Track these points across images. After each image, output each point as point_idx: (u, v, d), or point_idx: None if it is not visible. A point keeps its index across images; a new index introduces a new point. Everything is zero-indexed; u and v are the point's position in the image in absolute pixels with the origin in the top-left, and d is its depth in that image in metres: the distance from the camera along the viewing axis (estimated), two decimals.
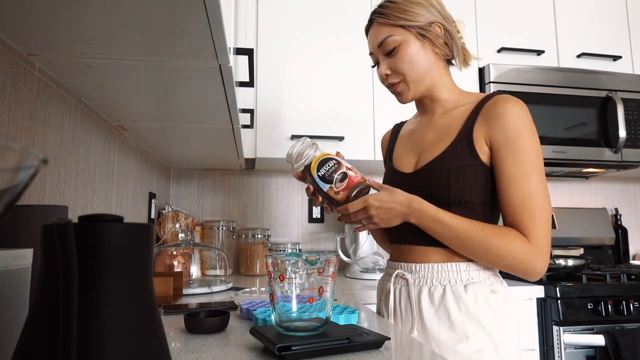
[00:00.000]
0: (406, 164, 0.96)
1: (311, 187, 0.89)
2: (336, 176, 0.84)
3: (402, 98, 0.95)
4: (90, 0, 0.59)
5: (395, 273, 0.92)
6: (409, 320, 0.88)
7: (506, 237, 0.80)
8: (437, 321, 0.84)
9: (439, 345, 0.83)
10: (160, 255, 1.31)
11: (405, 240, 0.92)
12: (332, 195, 0.85)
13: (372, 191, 0.88)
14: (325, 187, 0.85)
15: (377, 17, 0.93)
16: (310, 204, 2.12)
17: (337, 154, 0.91)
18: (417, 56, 0.90)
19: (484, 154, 0.85)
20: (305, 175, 0.89)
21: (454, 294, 0.83)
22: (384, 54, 0.92)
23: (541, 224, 0.79)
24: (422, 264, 0.88)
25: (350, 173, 0.85)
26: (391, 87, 0.95)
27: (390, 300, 0.92)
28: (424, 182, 0.88)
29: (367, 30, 0.97)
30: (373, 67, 0.99)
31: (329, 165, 0.85)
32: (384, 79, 0.95)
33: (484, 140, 0.85)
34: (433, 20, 0.91)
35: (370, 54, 0.97)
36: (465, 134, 0.86)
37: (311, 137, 1.75)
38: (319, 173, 0.85)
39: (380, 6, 0.93)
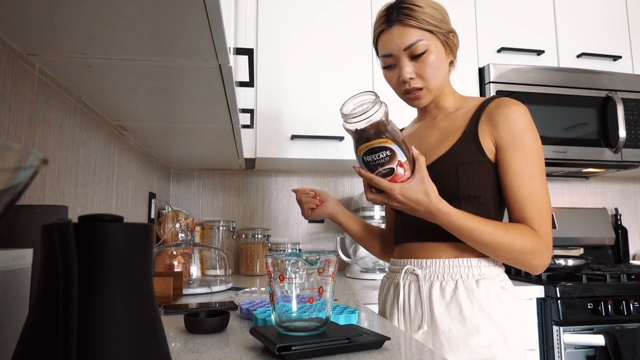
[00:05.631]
0: None
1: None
2: (381, 169, 0.76)
3: (419, 103, 0.93)
4: (90, 0, 0.59)
5: (405, 269, 0.92)
6: (419, 315, 0.89)
7: (526, 235, 0.81)
8: (448, 315, 0.84)
9: (449, 339, 0.83)
10: (160, 255, 1.30)
11: (414, 238, 0.93)
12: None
13: None
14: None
15: (404, 19, 0.86)
16: None
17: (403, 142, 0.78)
18: (442, 63, 0.90)
19: (489, 152, 0.87)
20: (354, 135, 0.77)
21: (466, 289, 0.84)
22: (410, 56, 0.88)
23: (547, 220, 0.83)
24: (433, 260, 0.89)
25: (399, 170, 0.75)
26: (410, 92, 0.91)
27: (401, 295, 0.92)
28: (432, 179, 0.88)
29: (382, 31, 0.90)
30: (385, 68, 0.93)
31: (379, 156, 0.75)
32: (404, 82, 0.90)
33: (490, 139, 0.87)
34: (451, 29, 0.92)
35: (388, 55, 0.90)
36: (471, 133, 0.89)
37: (311, 137, 1.77)
38: (365, 157, 0.76)
39: (403, 7, 0.87)
